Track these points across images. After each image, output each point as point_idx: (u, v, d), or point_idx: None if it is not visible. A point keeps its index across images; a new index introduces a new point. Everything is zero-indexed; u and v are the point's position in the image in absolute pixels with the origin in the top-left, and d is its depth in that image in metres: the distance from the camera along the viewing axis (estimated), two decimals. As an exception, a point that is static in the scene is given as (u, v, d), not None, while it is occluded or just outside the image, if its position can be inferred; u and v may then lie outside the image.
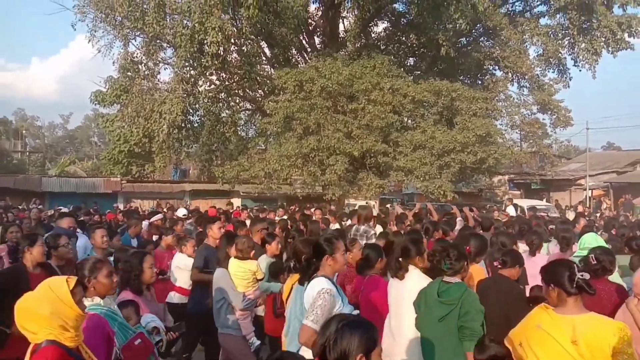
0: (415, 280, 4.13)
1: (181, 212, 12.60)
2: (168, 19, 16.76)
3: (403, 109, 17.17)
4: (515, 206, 18.20)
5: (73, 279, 2.68)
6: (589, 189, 31.52)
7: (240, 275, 5.36)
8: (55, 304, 2.56)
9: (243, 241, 5.48)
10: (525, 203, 21.29)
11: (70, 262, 5.01)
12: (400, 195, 29.49)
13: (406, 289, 4.10)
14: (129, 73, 18.50)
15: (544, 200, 34.57)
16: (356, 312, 3.58)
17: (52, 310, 2.54)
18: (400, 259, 4.22)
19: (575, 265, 3.08)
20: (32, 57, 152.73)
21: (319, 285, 3.44)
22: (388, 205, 17.85)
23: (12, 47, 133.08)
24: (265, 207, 18.10)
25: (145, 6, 16.47)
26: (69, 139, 78.36)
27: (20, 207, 18.83)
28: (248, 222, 11.67)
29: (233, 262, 5.40)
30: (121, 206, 22.71)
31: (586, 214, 19.27)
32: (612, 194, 30.47)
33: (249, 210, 17.49)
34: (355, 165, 17.58)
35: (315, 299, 3.36)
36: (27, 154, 58.19)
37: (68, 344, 2.59)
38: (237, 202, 25.22)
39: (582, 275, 2.94)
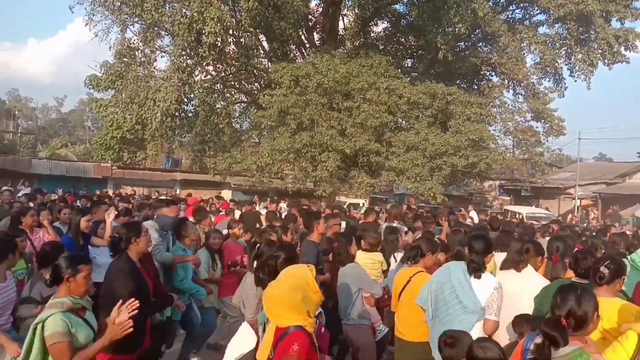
0: (535, 276, 4.53)
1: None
2: (167, 7, 16.65)
3: (398, 110, 17.21)
4: (477, 211, 17.77)
5: (312, 267, 2.88)
6: (578, 199, 31.78)
7: (370, 266, 5.55)
8: (305, 291, 2.74)
9: (374, 236, 5.79)
10: (525, 210, 21.29)
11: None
12: (391, 195, 29.57)
13: (526, 284, 4.41)
14: (125, 59, 18.41)
15: (533, 206, 34.82)
16: None
17: (302, 296, 2.72)
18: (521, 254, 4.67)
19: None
20: (29, 37, 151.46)
21: (493, 281, 4.03)
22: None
23: (9, 26, 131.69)
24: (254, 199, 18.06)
25: (144, -8, 16.38)
26: (62, 122, 77.69)
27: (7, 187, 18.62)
28: (238, 212, 11.73)
29: (361, 255, 5.65)
30: (110, 192, 22.59)
31: (574, 223, 19.46)
32: (601, 204, 30.74)
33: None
34: (347, 163, 17.62)
35: (492, 294, 3.93)
36: (19, 135, 57.57)
37: (309, 329, 2.75)
38: (227, 194, 25.18)
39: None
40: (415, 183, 16.60)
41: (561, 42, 20.36)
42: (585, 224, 20.15)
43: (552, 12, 19.16)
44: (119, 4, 16.74)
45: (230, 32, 17.10)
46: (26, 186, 19.90)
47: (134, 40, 18.36)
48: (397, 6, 22.15)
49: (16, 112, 62.49)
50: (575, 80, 20.60)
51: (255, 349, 3.98)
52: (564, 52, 20.60)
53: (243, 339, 4.31)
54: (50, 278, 3.26)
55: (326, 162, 16.28)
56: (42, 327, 3.00)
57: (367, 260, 5.58)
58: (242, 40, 18.81)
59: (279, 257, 3.91)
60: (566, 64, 20.84)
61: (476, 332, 3.78)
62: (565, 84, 21.32)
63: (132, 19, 17.54)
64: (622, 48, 18.98)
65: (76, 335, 3.06)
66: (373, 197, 21.12)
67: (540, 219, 18.03)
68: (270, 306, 2.77)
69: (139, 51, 18.26)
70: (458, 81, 21.94)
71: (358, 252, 5.72)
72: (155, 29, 17.47)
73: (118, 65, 19.76)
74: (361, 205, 19.13)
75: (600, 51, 19.07)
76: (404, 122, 18.73)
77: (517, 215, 20.14)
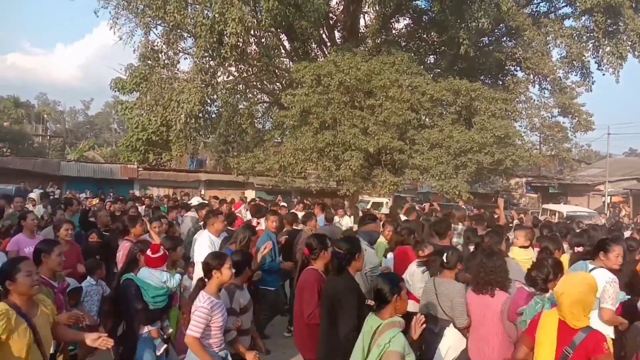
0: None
1: (195, 200, 12.62)
2: (189, 9, 16.78)
3: (421, 107, 17.00)
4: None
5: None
6: (608, 195, 31.02)
7: (525, 262, 5.52)
8: (594, 293, 3.18)
9: (530, 232, 6.24)
10: (565, 209, 20.59)
11: None
12: (415, 193, 29.33)
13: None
14: (149, 61, 18.62)
15: (562, 203, 34.16)
16: None
17: (593, 299, 3.14)
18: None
19: None
20: (57, 42, 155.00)
21: (606, 275, 4.53)
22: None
23: (38, 32, 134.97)
24: (278, 200, 18.10)
25: (166, -5, 16.56)
26: (89, 125, 79.41)
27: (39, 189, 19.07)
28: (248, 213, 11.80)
29: (519, 251, 5.89)
30: (137, 193, 22.93)
31: (604, 220, 18.95)
32: (632, 200, 29.95)
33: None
34: (370, 161, 17.49)
35: (606, 286, 4.42)
36: (48, 138, 58.98)
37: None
38: (251, 194, 25.32)
39: None
40: (440, 181, 16.37)
41: (588, 34, 19.87)
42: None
43: (578, 4, 18.71)
44: (142, 7, 16.93)
45: (252, 32, 17.17)
46: (55, 188, 20.36)
47: (157, 42, 18.58)
48: (418, 2, 21.98)
49: (45, 116, 64.02)
50: (604, 74, 20.11)
51: (465, 350, 4.37)
52: (591, 45, 20.09)
53: (455, 342, 4.50)
54: None
55: (349, 161, 16.18)
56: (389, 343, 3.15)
57: (524, 257, 5.68)
58: (263, 40, 18.87)
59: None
60: (594, 57, 20.35)
61: (594, 322, 3.99)
62: (592, 77, 20.83)
63: (155, 22, 17.74)
64: (653, 39, 18.42)
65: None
66: (397, 195, 20.95)
67: (583, 217, 17.36)
68: (573, 306, 3.04)
69: (163, 53, 18.45)
70: (482, 77, 21.62)
71: (514, 248, 5.99)
72: (178, 31, 17.63)
73: (142, 67, 20.01)
74: (384, 204, 19.01)
75: (629, 43, 18.54)
76: (427, 119, 18.50)
77: (556, 214, 19.58)
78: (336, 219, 11.09)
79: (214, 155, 25.07)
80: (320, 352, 4.11)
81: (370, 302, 3.35)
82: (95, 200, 13.43)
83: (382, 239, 7.02)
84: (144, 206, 12.77)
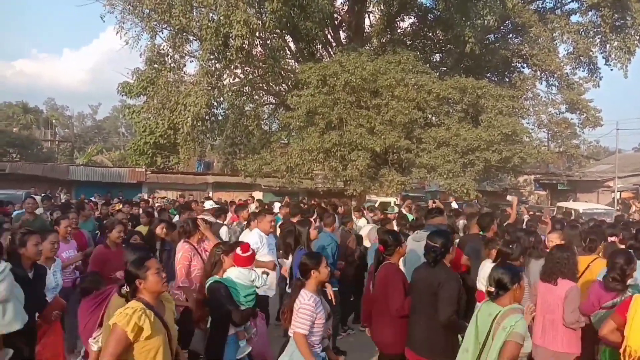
0: None
1: (208, 204, 12.52)
2: (194, 12, 16.84)
3: (427, 106, 16.97)
4: (459, 204, 16.90)
5: None
6: (617, 191, 30.77)
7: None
8: None
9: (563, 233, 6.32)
10: (581, 206, 20.20)
11: None
12: (423, 192, 29.23)
13: None
14: (155, 65, 18.68)
15: (570, 200, 33.91)
16: None
17: None
18: None
19: None
20: (64, 47, 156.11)
21: None
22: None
23: (45, 38, 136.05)
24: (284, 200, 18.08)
25: (172, -1, 16.64)
26: (97, 129, 79.88)
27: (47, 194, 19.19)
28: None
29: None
30: (145, 196, 23.03)
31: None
32: (642, 196, 29.69)
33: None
34: (377, 161, 17.48)
35: None
36: (57, 143, 59.42)
37: None
38: (258, 195, 25.36)
39: None
40: (448, 180, 16.33)
41: (595, 30, 19.74)
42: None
43: (584, -1, 18.63)
44: (147, 11, 17.01)
45: (257, 34, 17.19)
46: (64, 193, 20.49)
47: (164, 46, 18.64)
48: (423, 0, 21.90)
49: (53, 121, 64.50)
50: (612, 69, 19.95)
51: None
52: (598, 41, 19.96)
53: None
54: None
55: (356, 161, 16.18)
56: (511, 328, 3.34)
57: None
58: (268, 42, 18.90)
59: None
60: (601, 53, 20.20)
61: None
62: (600, 73, 20.70)
63: (161, 26, 17.81)
64: (662, 33, 18.28)
65: None
66: (404, 195, 20.90)
67: (599, 214, 17.04)
68: None
69: (169, 57, 18.52)
70: (488, 74, 21.53)
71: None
72: (184, 34, 17.69)
73: (149, 71, 20.10)
74: (392, 204, 18.96)
75: (637, 37, 18.42)
76: (434, 118, 18.45)
77: (571, 212, 19.19)
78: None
79: (221, 158, 25.10)
80: (417, 341, 4.32)
81: (490, 289, 3.59)
82: (119, 205, 13.40)
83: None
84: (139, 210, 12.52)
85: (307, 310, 3.86)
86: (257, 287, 4.82)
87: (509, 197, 11.71)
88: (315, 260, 4.10)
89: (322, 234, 6.75)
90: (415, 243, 5.72)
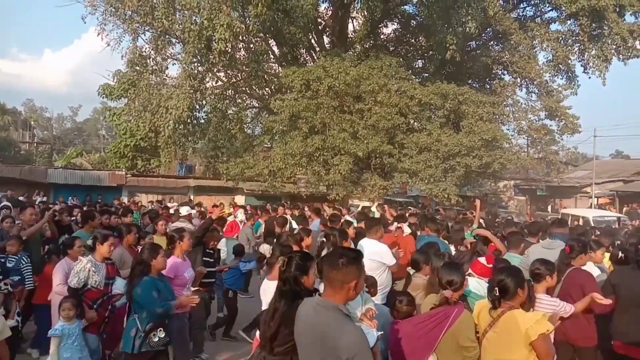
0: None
1: (184, 210, 12.35)
2: (177, 15, 16.75)
3: (409, 111, 17.12)
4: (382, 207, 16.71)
5: None
6: (595, 197, 31.34)
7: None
8: None
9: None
10: (591, 214, 19.27)
11: None
12: (405, 197, 29.40)
13: None
14: (137, 67, 18.51)
15: (549, 206, 34.46)
16: None
17: None
18: None
19: None
20: (45, 48, 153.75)
21: None
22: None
23: (26, 38, 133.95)
24: (266, 205, 18.06)
25: (154, 1, 16.52)
26: (77, 131, 78.70)
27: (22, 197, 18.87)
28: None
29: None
30: (125, 199, 22.76)
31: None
32: (618, 202, 30.29)
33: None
34: (359, 165, 17.55)
35: None
36: (35, 145, 58.45)
37: None
38: (240, 199, 25.24)
39: None
40: (429, 184, 16.47)
41: (574, 38, 20.11)
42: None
43: (563, 8, 18.96)
44: (130, 13, 16.86)
45: (240, 38, 17.18)
46: (41, 196, 20.13)
47: (146, 48, 18.48)
48: (406, 7, 22.07)
49: (32, 123, 63.45)
50: (589, 77, 20.34)
51: None
52: (576, 49, 20.34)
53: None
54: None
55: (339, 165, 16.23)
56: None
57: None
58: (252, 45, 18.88)
59: None
60: (579, 61, 20.59)
61: None
62: (578, 81, 21.07)
63: (143, 28, 17.67)
64: (637, 43, 18.69)
65: None
66: (387, 199, 21.00)
67: (610, 222, 16.74)
68: None
69: (151, 59, 18.36)
70: (470, 81, 21.77)
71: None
72: (166, 36, 17.59)
73: (130, 73, 19.90)
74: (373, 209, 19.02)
75: (614, 46, 18.80)
76: (415, 123, 18.61)
77: (579, 219, 18.37)
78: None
79: (203, 161, 24.93)
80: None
81: None
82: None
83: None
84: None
85: None
86: None
87: (476, 201, 11.77)
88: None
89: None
90: (545, 250, 5.69)
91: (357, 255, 2.78)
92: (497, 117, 18.47)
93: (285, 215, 11.21)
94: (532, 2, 21.80)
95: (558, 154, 22.16)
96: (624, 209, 26.73)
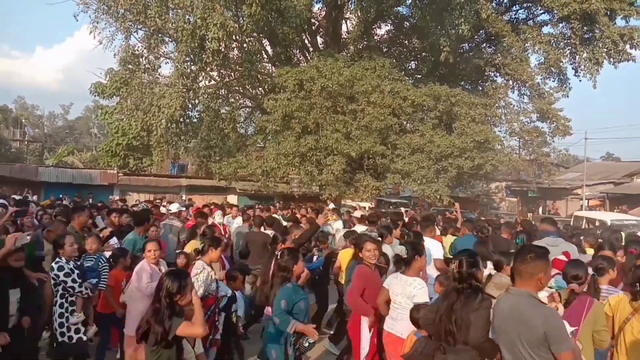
0: None
1: (174, 206, 12.32)
2: (170, 14, 16.68)
3: (402, 112, 17.17)
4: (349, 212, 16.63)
5: None
6: (585, 199, 31.58)
7: None
8: None
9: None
10: (609, 217, 17.68)
11: None
12: (397, 198, 29.49)
13: None
14: (129, 66, 18.42)
15: (540, 208, 34.68)
16: None
17: None
18: None
19: None
20: (37, 45, 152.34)
21: None
22: None
23: (17, 35, 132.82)
24: (259, 204, 18.03)
25: (147, -1, 16.45)
26: (68, 130, 78.13)
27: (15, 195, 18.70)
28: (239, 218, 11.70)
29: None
30: (117, 198, 22.62)
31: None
32: (608, 204, 30.54)
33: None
34: (352, 166, 17.58)
35: None
36: (26, 143, 57.94)
37: None
38: (233, 199, 25.20)
39: None
40: (422, 185, 16.53)
41: (565, 41, 20.25)
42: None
43: (555, 11, 19.08)
44: (122, 11, 16.78)
45: (234, 37, 17.13)
46: (31, 195, 19.97)
47: (138, 47, 18.40)
48: (400, 8, 22.14)
49: (23, 120, 62.91)
50: (580, 80, 20.53)
51: None
52: (568, 52, 20.47)
53: None
54: None
55: (331, 166, 16.25)
56: None
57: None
58: (245, 45, 18.82)
59: None
60: (571, 64, 20.73)
61: None
62: (569, 83, 21.22)
63: (136, 26, 17.58)
64: (628, 46, 18.84)
65: None
66: (379, 199, 21.06)
67: (630, 227, 15.11)
68: None
69: (143, 58, 18.29)
70: (462, 83, 21.89)
71: None
72: (159, 35, 17.52)
73: (123, 72, 19.79)
74: (367, 208, 19.07)
75: (605, 50, 18.93)
76: (408, 124, 18.67)
77: (595, 223, 17.02)
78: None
79: (196, 161, 24.84)
80: None
81: None
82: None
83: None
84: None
85: None
86: None
87: (455, 205, 12.00)
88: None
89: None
90: (551, 248, 5.89)
91: (544, 252, 3.21)
92: (489, 118, 18.58)
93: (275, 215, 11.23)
94: (525, 5, 21.96)
95: (549, 155, 22.30)
96: (615, 210, 26.92)
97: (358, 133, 16.37)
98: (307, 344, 4.35)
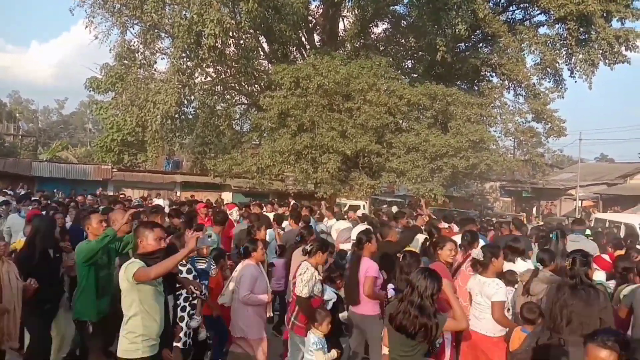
0: None
1: (160, 202, 12.11)
2: (167, 9, 16.62)
3: (398, 111, 17.17)
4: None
5: None
6: (579, 199, 31.73)
7: None
8: None
9: None
10: (637, 220, 16.17)
11: None
12: (392, 196, 29.53)
13: None
14: (125, 61, 18.36)
15: (534, 208, 34.80)
16: None
17: None
18: None
19: None
20: (32, 39, 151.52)
21: None
22: None
23: (12, 29, 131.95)
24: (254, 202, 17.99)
25: (144, -6, 16.36)
26: (63, 124, 77.73)
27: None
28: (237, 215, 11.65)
29: None
30: (110, 194, 22.53)
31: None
32: (602, 205, 30.70)
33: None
34: (348, 164, 17.58)
35: None
36: (20, 137, 57.60)
37: None
38: (228, 196, 25.16)
39: None
40: (416, 184, 16.55)
41: (561, 42, 20.27)
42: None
43: (552, 12, 19.10)
44: (118, 6, 16.70)
45: (230, 34, 17.07)
46: (25, 189, 19.87)
47: (134, 42, 18.33)
48: (397, 7, 22.15)
49: (17, 115, 62.57)
50: (576, 81, 20.49)
51: None
52: (564, 53, 20.49)
53: None
54: None
55: (327, 164, 16.24)
56: None
57: None
58: (242, 42, 18.79)
59: None
60: (566, 65, 20.77)
61: None
62: (565, 84, 21.26)
63: (132, 21, 17.50)
64: (623, 48, 18.89)
65: None
66: (374, 198, 21.08)
67: None
68: None
69: (139, 53, 18.21)
70: (458, 82, 21.89)
71: None
72: (155, 31, 17.43)
73: (118, 67, 19.72)
74: (362, 207, 19.08)
75: (601, 51, 18.98)
76: (404, 123, 18.67)
77: (621, 226, 15.75)
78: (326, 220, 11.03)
79: (191, 157, 24.79)
80: None
81: None
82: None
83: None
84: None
85: None
86: None
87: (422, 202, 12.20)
88: None
89: None
90: (572, 243, 6.94)
91: None
92: (485, 118, 18.60)
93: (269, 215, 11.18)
94: (522, 6, 21.96)
95: (544, 156, 22.36)
96: (608, 211, 27.06)
97: (354, 131, 16.37)
98: None
